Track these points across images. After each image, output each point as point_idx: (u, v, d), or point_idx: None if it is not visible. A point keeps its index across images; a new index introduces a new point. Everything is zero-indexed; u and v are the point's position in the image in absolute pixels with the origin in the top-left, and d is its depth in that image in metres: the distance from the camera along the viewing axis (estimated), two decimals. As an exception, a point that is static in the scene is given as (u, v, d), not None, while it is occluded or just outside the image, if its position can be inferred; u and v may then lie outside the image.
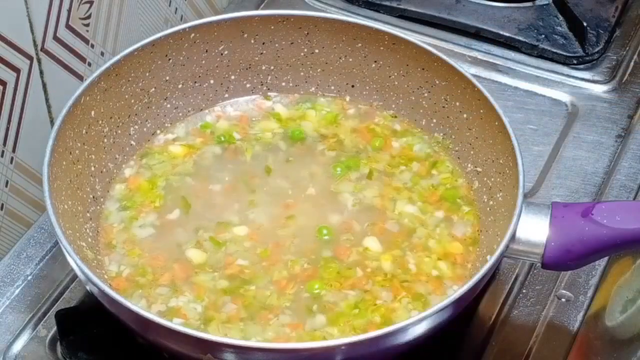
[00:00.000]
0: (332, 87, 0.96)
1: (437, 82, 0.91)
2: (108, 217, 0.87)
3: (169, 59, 0.91)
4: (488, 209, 0.86)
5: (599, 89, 1.06)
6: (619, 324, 0.84)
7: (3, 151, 0.93)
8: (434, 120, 0.93)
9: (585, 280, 0.88)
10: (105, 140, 0.89)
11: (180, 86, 0.93)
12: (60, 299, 0.87)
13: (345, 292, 0.81)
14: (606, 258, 0.89)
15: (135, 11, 1.05)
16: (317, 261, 0.83)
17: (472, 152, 0.89)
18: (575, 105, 1.04)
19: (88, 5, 0.97)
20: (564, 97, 1.05)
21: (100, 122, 0.88)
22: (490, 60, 1.08)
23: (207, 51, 0.93)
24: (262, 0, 1.15)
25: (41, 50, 0.93)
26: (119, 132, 0.90)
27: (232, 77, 0.95)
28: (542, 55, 1.09)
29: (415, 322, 0.72)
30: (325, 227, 0.85)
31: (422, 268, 0.83)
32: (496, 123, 0.85)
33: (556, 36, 1.10)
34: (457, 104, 0.90)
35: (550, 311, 0.86)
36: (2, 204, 0.95)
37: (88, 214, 0.85)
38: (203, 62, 0.93)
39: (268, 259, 0.83)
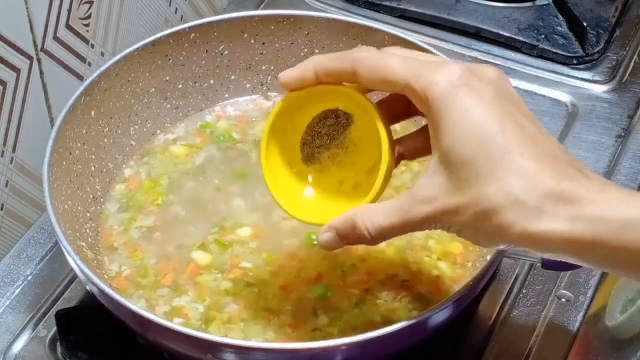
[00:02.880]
0: (332, 87, 0.96)
1: (437, 82, 0.90)
2: (108, 218, 0.87)
3: (169, 59, 0.91)
4: (488, 209, 0.86)
5: (599, 89, 1.06)
6: (619, 324, 0.84)
7: (3, 151, 0.93)
8: (434, 120, 0.92)
9: (585, 280, 0.88)
10: (105, 140, 0.89)
11: (180, 86, 0.93)
12: (60, 299, 0.87)
13: (348, 292, 0.81)
14: (606, 258, 0.89)
15: (135, 11, 1.05)
16: (321, 262, 0.83)
17: (472, 152, 0.89)
18: (575, 105, 1.04)
19: (88, 5, 0.97)
20: (564, 97, 1.05)
21: (100, 122, 0.88)
22: (490, 60, 1.08)
23: (207, 51, 0.93)
24: (262, 0, 1.15)
25: (41, 50, 0.93)
26: (119, 132, 0.90)
27: (232, 77, 0.95)
28: (542, 55, 1.09)
29: (415, 322, 0.72)
30: (315, 232, 0.85)
31: (422, 268, 0.83)
32: (496, 123, 0.84)
33: (556, 36, 1.10)
34: (457, 104, 0.90)
35: (550, 311, 0.86)
36: (2, 204, 0.95)
37: (88, 214, 0.85)
38: (203, 62, 0.93)
39: (273, 263, 0.83)
